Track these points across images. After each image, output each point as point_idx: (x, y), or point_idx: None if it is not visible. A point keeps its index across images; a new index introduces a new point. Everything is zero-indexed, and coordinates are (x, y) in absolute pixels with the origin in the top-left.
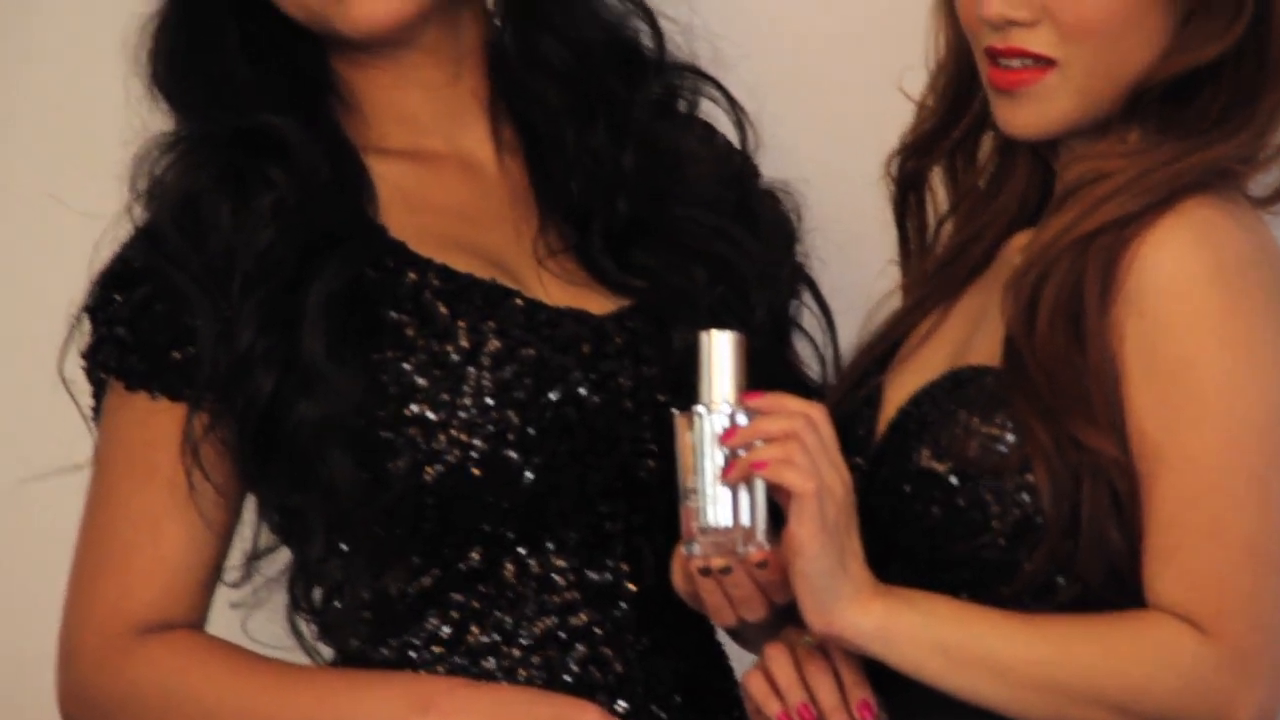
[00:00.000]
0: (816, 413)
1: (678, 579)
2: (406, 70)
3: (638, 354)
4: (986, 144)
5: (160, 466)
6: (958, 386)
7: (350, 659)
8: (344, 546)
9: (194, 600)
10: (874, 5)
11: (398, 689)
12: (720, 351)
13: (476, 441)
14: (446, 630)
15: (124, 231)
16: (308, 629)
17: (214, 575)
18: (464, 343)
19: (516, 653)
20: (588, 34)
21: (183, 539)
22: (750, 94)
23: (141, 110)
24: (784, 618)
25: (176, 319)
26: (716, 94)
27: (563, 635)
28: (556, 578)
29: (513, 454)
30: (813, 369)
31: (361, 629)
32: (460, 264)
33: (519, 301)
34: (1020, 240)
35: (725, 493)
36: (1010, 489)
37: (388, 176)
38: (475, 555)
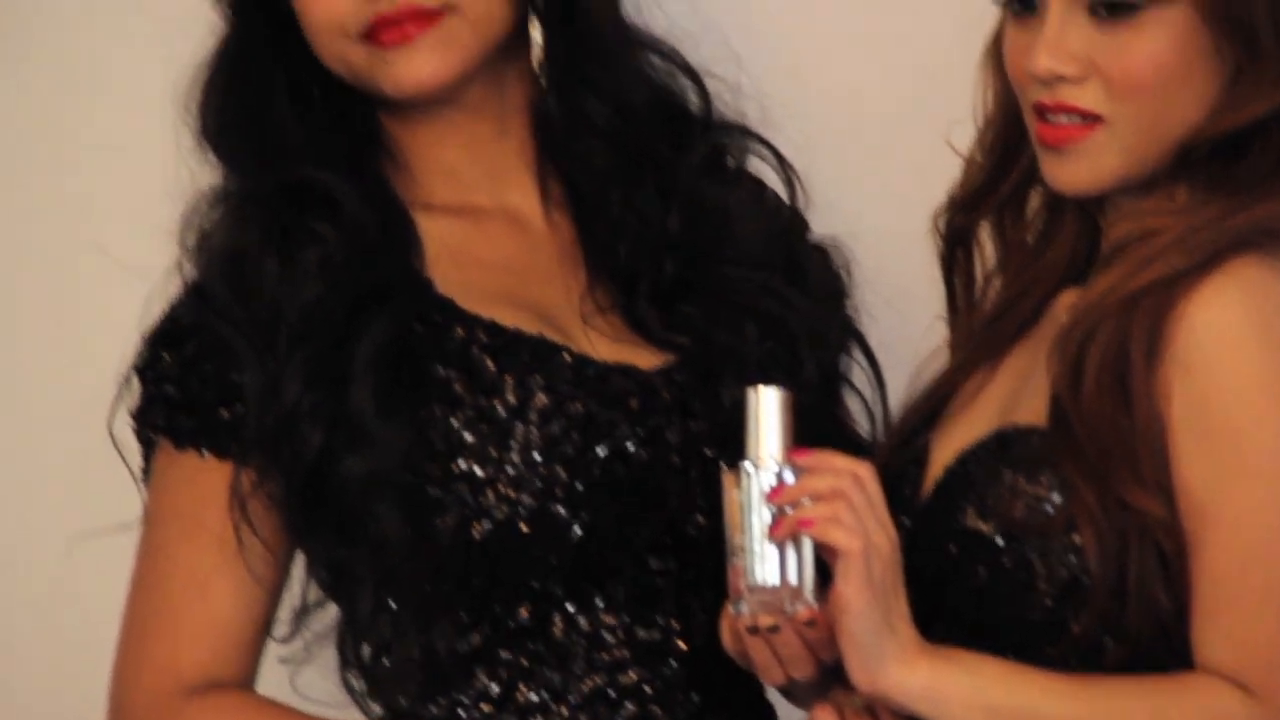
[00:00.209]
0: (864, 471)
1: (726, 637)
2: (452, 127)
3: (685, 409)
4: (1034, 199)
5: (209, 524)
6: (1004, 446)
7: (399, 717)
8: (392, 603)
9: (243, 658)
10: (922, 60)
11: None
12: (768, 408)
13: (524, 497)
14: (495, 688)
15: (174, 288)
16: (358, 685)
17: (263, 633)
18: (511, 398)
19: (565, 711)
20: (632, 95)
21: (231, 596)
22: (798, 150)
23: (191, 163)
24: (834, 675)
25: (224, 376)
26: (764, 151)
27: (612, 693)
28: (606, 635)
29: (561, 509)
30: (862, 425)
31: (410, 687)
32: (508, 319)
33: (567, 357)
34: (1068, 298)
35: (773, 551)
36: (1056, 549)
37: (434, 232)
38: (524, 612)
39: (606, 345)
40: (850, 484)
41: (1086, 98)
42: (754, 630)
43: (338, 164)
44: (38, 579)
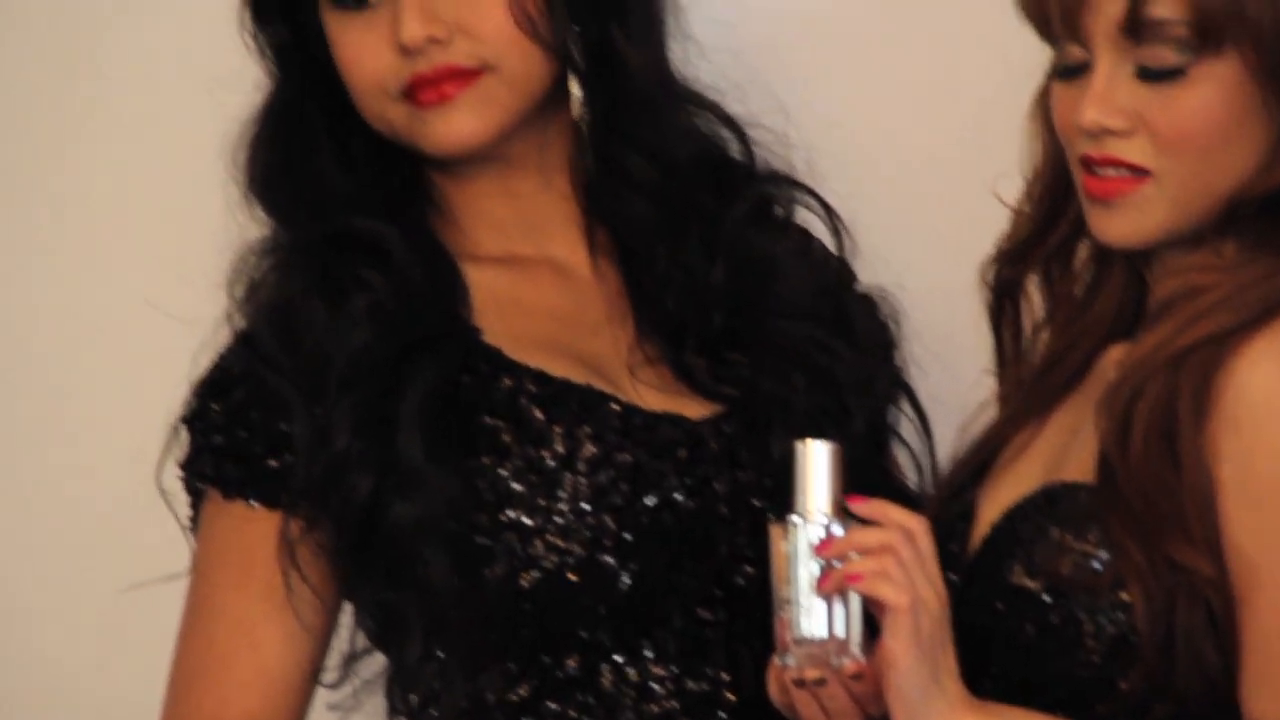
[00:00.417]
0: (916, 525)
1: (773, 689)
2: (496, 180)
3: (734, 459)
4: (1082, 251)
5: (257, 573)
6: (1051, 503)
7: None
8: (440, 652)
9: (291, 707)
10: (969, 111)
11: None
12: (817, 461)
13: (573, 547)
14: None
15: (222, 339)
16: None
17: (311, 681)
18: (560, 448)
19: None
20: (675, 149)
21: (280, 645)
22: (845, 201)
23: (240, 216)
24: None
25: (272, 425)
26: (812, 201)
27: None
28: (655, 686)
29: (609, 559)
30: (910, 477)
31: None
32: (556, 368)
33: (615, 406)
34: (1116, 353)
35: (820, 604)
36: (1104, 607)
37: (482, 282)
38: (572, 663)
39: (654, 395)
40: (899, 539)
41: (1134, 152)
42: (800, 683)
43: (385, 216)
44: (86, 631)
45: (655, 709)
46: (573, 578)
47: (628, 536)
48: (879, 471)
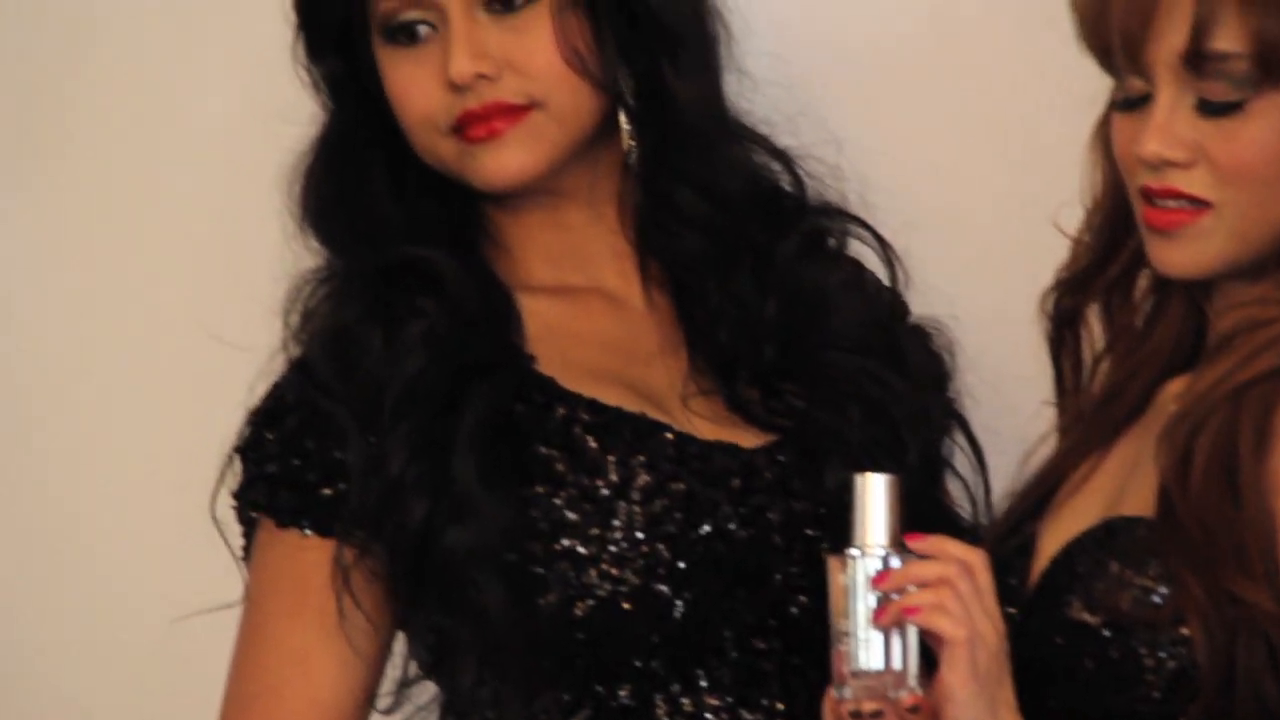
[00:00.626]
0: (975, 559)
1: None
2: (547, 212)
3: (788, 489)
4: (1143, 282)
5: (310, 601)
6: (1110, 537)
7: None
8: (494, 680)
9: None
10: (1028, 141)
11: None
12: (875, 494)
13: (627, 575)
14: None
15: (278, 368)
16: None
17: (365, 708)
18: (614, 477)
19: None
20: (726, 184)
21: (333, 672)
22: (898, 232)
23: (296, 245)
24: None
25: (326, 453)
26: (864, 233)
27: None
28: (710, 716)
29: (663, 588)
30: (964, 509)
31: None
32: (609, 397)
33: (669, 435)
34: (1175, 386)
35: (877, 636)
36: (1164, 641)
37: (536, 311)
38: (625, 692)
39: (707, 425)
40: (957, 572)
41: (1194, 183)
42: (857, 715)
43: (438, 243)
44: (141, 661)
45: None
46: (627, 606)
47: (681, 565)
48: (932, 503)
